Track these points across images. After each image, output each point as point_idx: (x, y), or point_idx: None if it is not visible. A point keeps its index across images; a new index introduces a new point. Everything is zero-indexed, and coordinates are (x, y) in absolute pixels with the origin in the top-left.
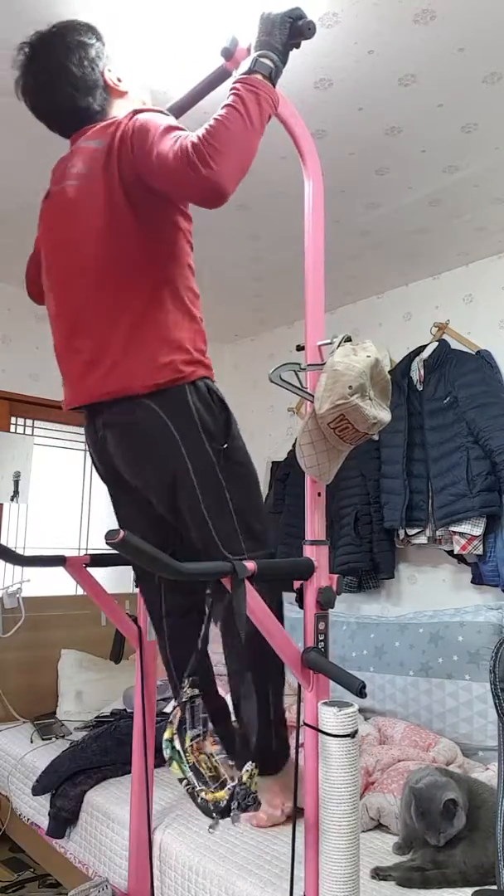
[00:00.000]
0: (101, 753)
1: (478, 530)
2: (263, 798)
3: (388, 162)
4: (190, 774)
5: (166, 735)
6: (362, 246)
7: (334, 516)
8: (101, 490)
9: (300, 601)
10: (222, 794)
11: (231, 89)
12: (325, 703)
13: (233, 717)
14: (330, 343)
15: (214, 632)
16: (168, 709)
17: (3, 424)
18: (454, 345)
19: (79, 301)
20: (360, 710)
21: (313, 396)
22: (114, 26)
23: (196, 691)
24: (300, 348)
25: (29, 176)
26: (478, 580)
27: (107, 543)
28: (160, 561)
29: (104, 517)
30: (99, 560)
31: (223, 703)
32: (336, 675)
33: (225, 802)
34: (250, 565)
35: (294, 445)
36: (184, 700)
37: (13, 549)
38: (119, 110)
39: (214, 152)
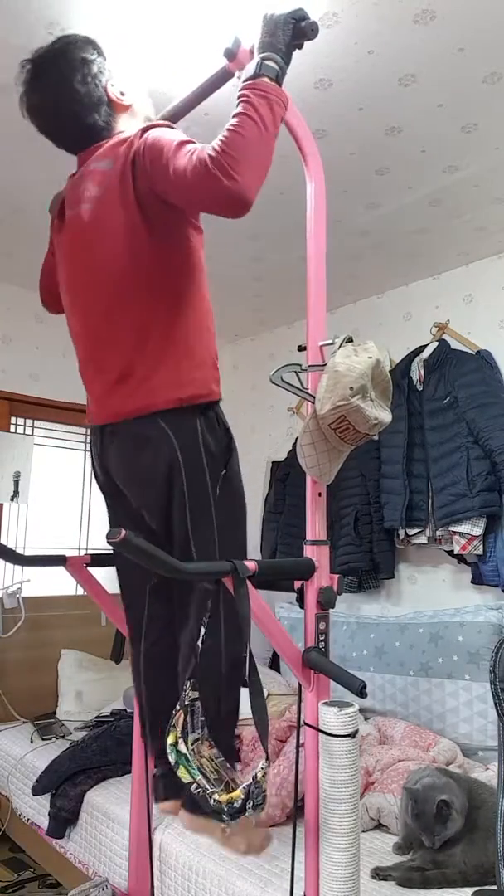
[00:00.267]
0: (101, 753)
1: (478, 530)
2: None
3: (388, 162)
4: (199, 777)
5: (170, 740)
6: (362, 246)
7: (334, 516)
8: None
9: (301, 601)
10: (238, 794)
11: (240, 96)
12: (326, 703)
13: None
14: (331, 343)
15: None
16: None
17: (3, 424)
18: (454, 345)
19: (102, 320)
20: (361, 710)
21: (314, 397)
22: (114, 27)
23: (197, 694)
24: (301, 349)
25: (28, 176)
26: (478, 580)
27: (108, 542)
28: (160, 559)
29: (104, 517)
30: (99, 560)
31: None
32: (337, 675)
33: (240, 802)
34: (251, 565)
35: (294, 445)
36: (185, 703)
37: (13, 549)
38: (124, 124)
39: (233, 162)
